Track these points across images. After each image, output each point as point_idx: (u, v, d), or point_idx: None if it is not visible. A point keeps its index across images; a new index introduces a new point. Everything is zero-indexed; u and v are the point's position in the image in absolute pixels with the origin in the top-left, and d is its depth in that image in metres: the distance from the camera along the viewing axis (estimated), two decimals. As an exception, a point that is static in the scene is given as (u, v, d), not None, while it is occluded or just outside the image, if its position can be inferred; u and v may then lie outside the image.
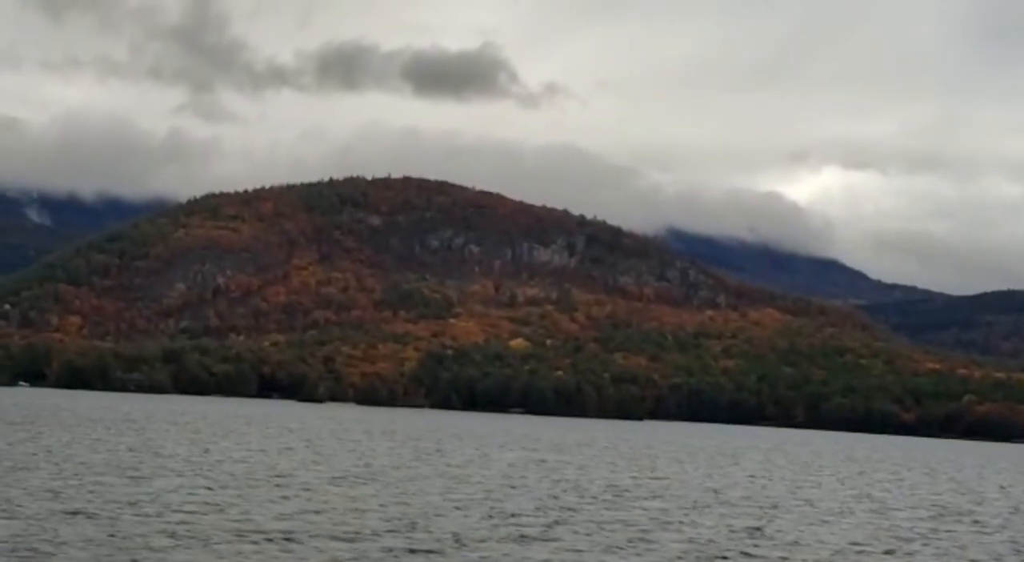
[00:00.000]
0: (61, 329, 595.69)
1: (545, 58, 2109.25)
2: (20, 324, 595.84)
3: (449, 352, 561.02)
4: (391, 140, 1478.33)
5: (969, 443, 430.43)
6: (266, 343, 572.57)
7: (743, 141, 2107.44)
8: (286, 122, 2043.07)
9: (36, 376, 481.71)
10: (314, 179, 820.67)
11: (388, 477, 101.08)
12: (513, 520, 72.18)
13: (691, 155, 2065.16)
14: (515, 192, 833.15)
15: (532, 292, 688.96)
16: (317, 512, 70.42)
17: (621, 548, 63.35)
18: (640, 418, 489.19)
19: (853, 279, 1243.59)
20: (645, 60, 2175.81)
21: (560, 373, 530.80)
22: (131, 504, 68.15)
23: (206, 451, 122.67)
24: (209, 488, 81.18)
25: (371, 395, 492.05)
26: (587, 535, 67.67)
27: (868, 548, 70.16)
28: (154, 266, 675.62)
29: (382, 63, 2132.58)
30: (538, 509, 79.63)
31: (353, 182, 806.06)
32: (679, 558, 60.99)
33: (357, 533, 62.12)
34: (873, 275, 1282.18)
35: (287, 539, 58.55)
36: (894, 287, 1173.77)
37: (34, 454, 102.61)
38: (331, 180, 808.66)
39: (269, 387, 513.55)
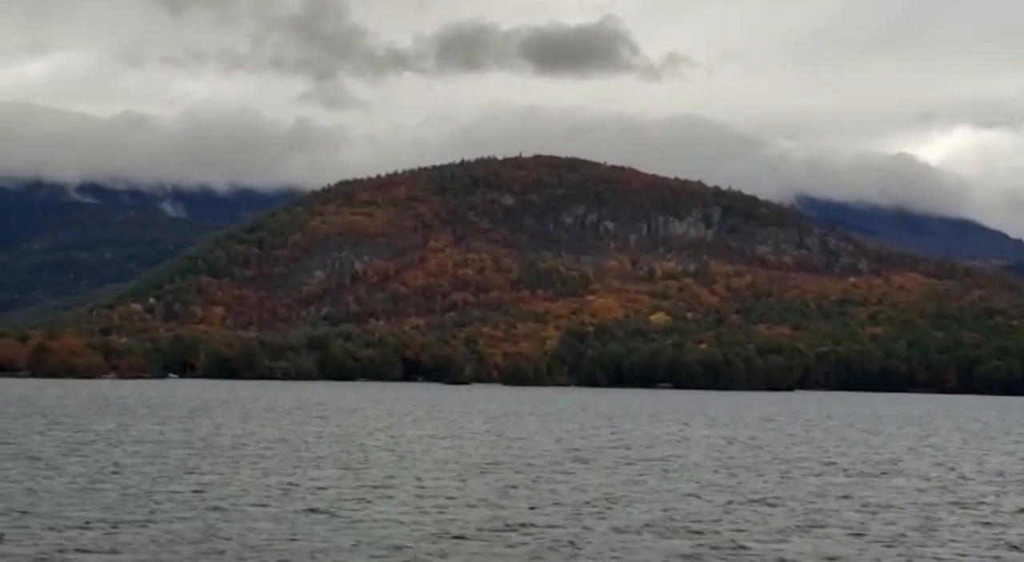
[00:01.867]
0: (205, 320, 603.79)
1: (665, 29, 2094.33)
2: (165, 317, 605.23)
3: (590, 329, 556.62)
4: (514, 119, 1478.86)
5: None
6: (407, 327, 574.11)
7: (870, 105, 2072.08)
8: (409, 106, 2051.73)
9: (184, 367, 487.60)
10: (440, 162, 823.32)
11: (606, 462, 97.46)
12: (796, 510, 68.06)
13: (817, 121, 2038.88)
14: (640, 165, 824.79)
15: (669, 266, 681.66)
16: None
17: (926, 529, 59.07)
18: (790, 389, 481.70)
19: (993, 239, 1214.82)
20: (768, 27, 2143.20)
21: (704, 346, 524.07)
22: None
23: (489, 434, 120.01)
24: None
25: (516, 375, 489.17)
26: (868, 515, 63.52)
27: None
28: (293, 255, 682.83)
29: (501, 42, 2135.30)
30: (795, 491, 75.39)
31: (484, 163, 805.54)
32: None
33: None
34: (1013, 234, 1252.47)
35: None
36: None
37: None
38: (463, 161, 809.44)
39: (413, 370, 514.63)
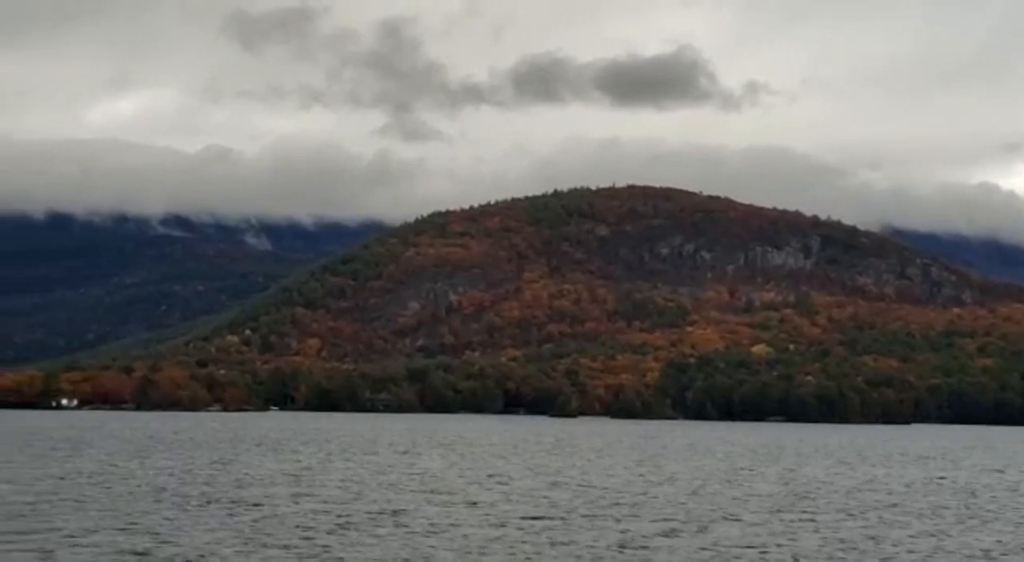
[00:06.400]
0: (300, 352, 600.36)
1: (743, 59, 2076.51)
2: (261, 348, 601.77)
3: (691, 361, 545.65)
4: (593, 151, 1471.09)
5: None
6: (503, 358, 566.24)
7: (953, 135, 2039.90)
8: (487, 138, 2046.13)
9: (285, 399, 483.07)
10: (520, 194, 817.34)
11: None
12: None
13: (899, 150, 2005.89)
14: (722, 195, 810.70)
15: (769, 296, 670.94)
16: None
17: None
18: (905, 422, 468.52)
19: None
20: (849, 56, 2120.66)
21: (809, 378, 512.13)
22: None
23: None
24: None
25: (623, 407, 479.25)
26: None
27: None
28: (387, 286, 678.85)
29: (578, 75, 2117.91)
30: None
31: (578, 193, 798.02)
32: None
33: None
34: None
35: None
36: None
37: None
38: (555, 192, 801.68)
39: (514, 403, 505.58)
